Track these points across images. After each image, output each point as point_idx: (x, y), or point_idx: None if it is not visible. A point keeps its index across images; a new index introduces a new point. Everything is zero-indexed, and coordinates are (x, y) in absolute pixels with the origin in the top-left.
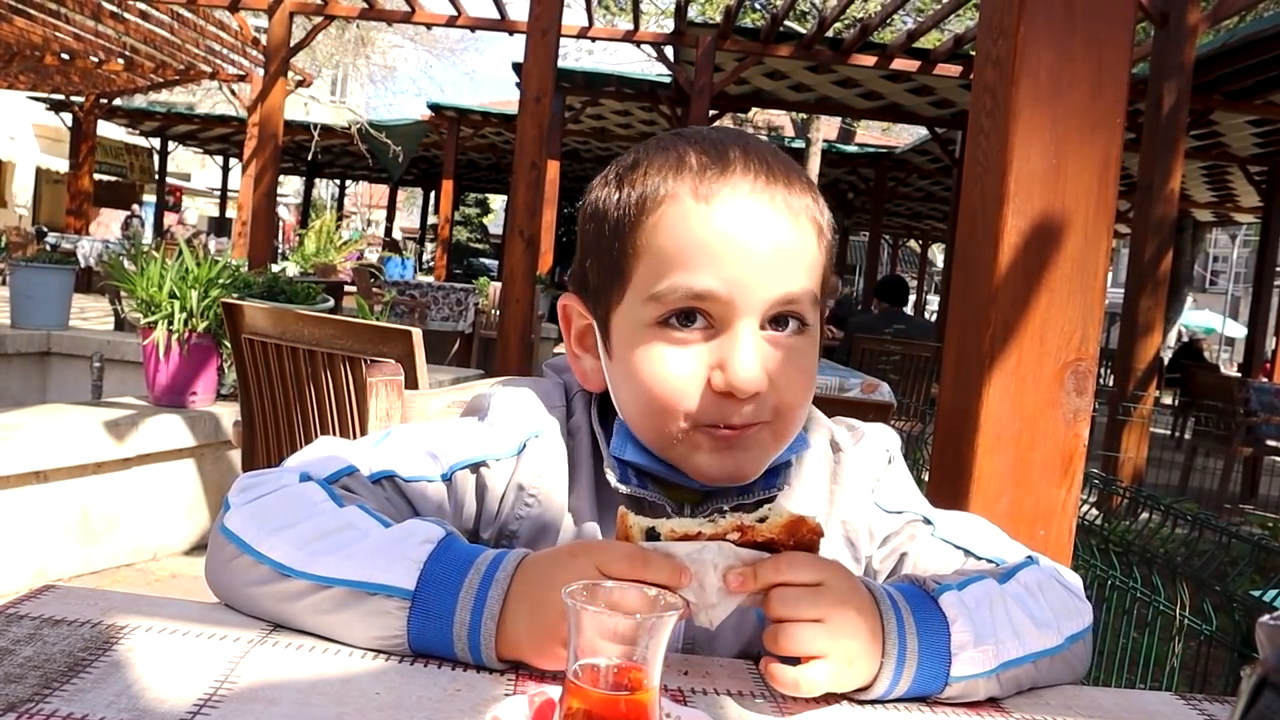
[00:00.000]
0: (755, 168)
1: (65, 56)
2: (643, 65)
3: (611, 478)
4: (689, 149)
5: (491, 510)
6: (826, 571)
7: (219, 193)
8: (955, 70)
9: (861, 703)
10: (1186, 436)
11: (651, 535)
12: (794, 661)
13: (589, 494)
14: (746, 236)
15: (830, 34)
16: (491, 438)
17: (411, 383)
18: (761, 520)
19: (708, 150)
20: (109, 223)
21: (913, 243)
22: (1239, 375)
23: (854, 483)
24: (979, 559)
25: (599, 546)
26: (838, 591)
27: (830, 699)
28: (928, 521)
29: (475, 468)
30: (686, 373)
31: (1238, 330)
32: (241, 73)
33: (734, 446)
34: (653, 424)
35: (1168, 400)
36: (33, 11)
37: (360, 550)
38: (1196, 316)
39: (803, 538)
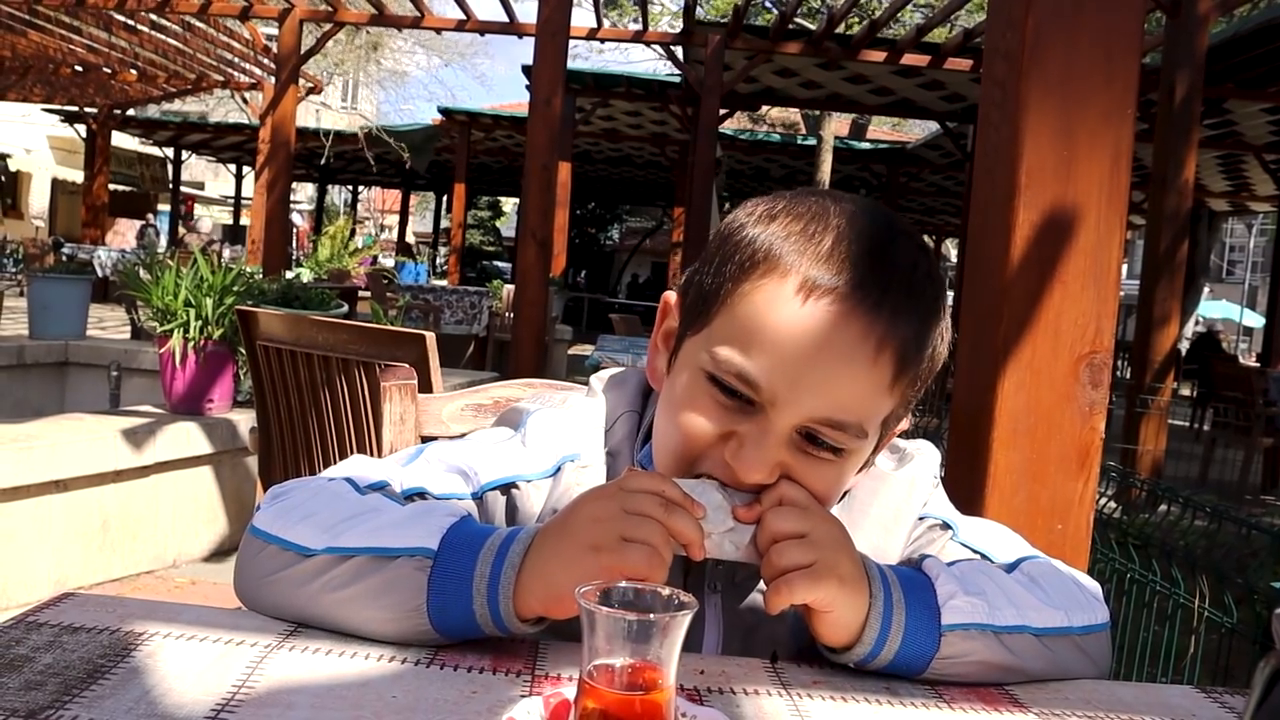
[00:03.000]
0: (879, 284)
1: (79, 69)
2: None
3: None
4: (828, 233)
5: None
6: (815, 500)
7: (233, 201)
8: (965, 64)
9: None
10: (1205, 428)
11: None
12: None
13: None
14: (817, 350)
15: (840, 30)
16: (524, 458)
17: (426, 386)
18: None
19: (842, 242)
20: (125, 232)
21: (926, 238)
22: (1258, 365)
23: (898, 505)
24: (995, 564)
25: (619, 479)
26: (822, 512)
27: (848, 695)
28: (947, 526)
29: (506, 488)
30: (711, 431)
31: (1256, 320)
32: (253, 81)
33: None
34: (667, 457)
35: (1186, 392)
36: (47, 25)
37: (382, 523)
38: (1213, 307)
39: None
